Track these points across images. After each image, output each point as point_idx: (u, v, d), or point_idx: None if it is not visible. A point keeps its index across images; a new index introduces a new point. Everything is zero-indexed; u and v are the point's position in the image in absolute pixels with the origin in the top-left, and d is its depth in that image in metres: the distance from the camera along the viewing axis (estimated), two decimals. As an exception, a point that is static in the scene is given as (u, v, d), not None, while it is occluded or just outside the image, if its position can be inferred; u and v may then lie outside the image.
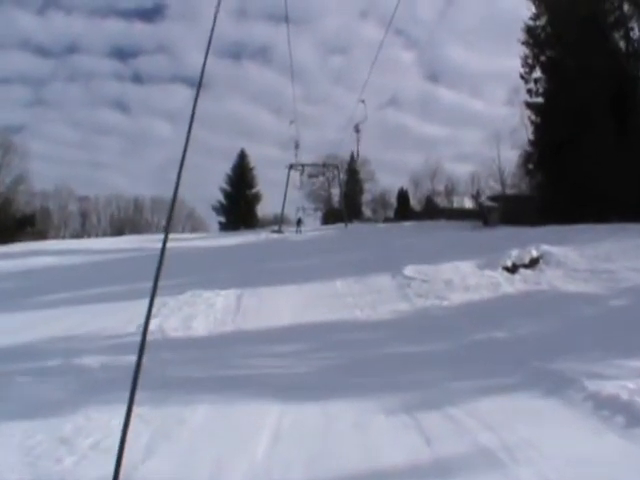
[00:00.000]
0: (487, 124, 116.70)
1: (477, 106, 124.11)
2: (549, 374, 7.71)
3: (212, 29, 4.42)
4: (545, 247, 18.27)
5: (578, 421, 6.05)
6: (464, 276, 16.89)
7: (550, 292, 14.48)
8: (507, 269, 17.42)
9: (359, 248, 26.64)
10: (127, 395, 7.54)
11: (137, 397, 6.70)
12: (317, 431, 6.15)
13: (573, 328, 10.81)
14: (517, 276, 16.78)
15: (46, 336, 12.32)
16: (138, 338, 10.49)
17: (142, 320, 11.14)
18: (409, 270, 17.92)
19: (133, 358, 9.34)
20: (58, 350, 10.79)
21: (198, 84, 4.27)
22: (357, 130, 18.25)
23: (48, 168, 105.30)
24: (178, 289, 16.35)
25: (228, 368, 9.29)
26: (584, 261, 17.15)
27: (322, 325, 12.74)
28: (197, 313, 14.31)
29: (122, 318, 13.85)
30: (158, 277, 3.67)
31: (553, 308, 12.72)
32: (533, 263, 17.62)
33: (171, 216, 4.68)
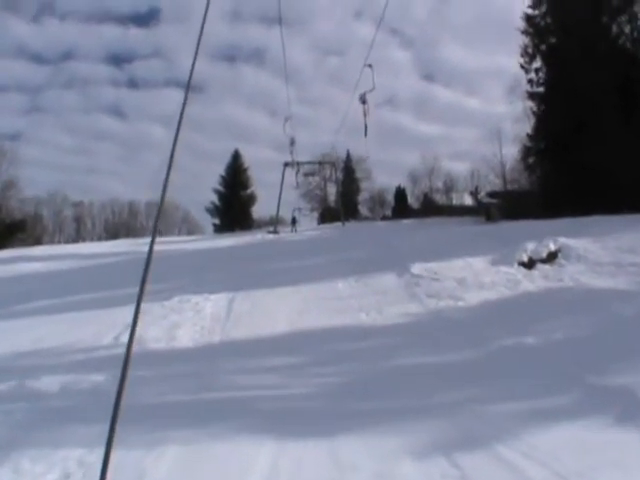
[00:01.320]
0: (483, 122, 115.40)
1: (473, 104, 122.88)
2: (612, 393, 6.16)
3: (201, 31, 4.19)
4: (563, 240, 16.77)
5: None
6: (477, 273, 15.36)
7: (577, 289, 12.94)
8: (523, 264, 15.91)
9: (359, 246, 25.06)
10: (83, 430, 5.99)
11: (88, 434, 5.08)
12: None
13: (616, 331, 9.24)
14: (535, 272, 15.28)
15: (7, 350, 10.86)
16: (112, 351, 8.95)
17: (120, 329, 9.57)
18: (416, 268, 16.38)
19: (99, 378, 7.79)
20: (15, 368, 9.33)
21: (187, 86, 4.00)
22: (364, 101, 16.62)
23: (45, 174, 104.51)
24: (165, 294, 14.96)
25: (211, 389, 7.71)
26: (607, 254, 15.67)
27: (323, 332, 11.18)
28: (183, 321, 12.83)
29: (99, 328, 12.58)
30: (143, 290, 3.23)
31: (585, 307, 11.16)
32: (551, 257, 16.13)
33: (158, 218, 4.24)
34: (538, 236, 17.55)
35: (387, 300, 13.68)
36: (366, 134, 15.83)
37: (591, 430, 5.34)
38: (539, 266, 15.70)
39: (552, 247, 16.45)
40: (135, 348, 10.00)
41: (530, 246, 16.62)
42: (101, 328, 12.52)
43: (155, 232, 3.59)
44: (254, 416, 6.32)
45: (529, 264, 15.92)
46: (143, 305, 11.29)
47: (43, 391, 7.83)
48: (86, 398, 7.32)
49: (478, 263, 16.42)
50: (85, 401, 7.19)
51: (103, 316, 13.82)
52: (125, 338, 11.83)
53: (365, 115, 15.78)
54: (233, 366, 9.07)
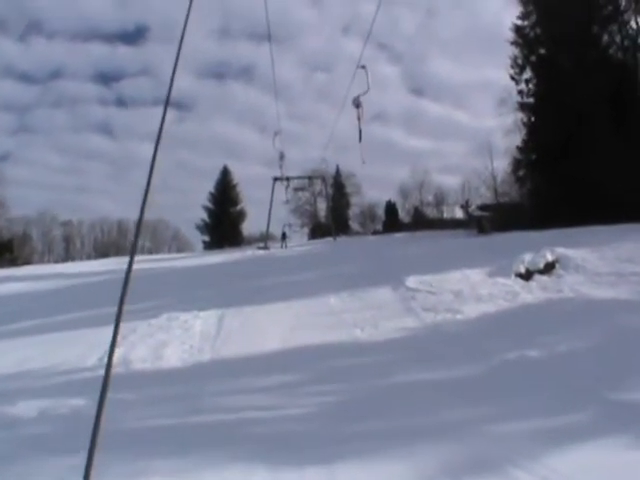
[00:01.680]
0: (472, 135, 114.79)
1: (462, 118, 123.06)
2: (631, 409, 5.75)
3: (179, 45, 4.09)
4: (561, 250, 16.40)
5: None
6: (474, 285, 14.96)
7: (577, 300, 12.55)
8: (521, 276, 15.53)
9: (351, 261, 24.63)
10: (59, 461, 5.51)
11: (63, 465, 4.61)
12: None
13: (624, 342, 8.79)
14: (533, 283, 14.89)
15: (-15, 375, 10.30)
16: (96, 373, 8.45)
17: (105, 350, 9.11)
18: (411, 281, 15.96)
19: (80, 402, 7.28)
20: (-7, 392, 8.77)
21: (166, 100, 3.96)
22: (358, 104, 15.56)
23: (35, 194, 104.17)
24: (153, 312, 14.48)
25: (199, 412, 7.20)
26: (605, 264, 15.33)
27: (316, 349, 10.70)
28: (171, 339, 12.34)
29: (84, 348, 12.10)
30: (122, 304, 3.20)
31: (588, 318, 10.72)
32: (549, 268, 15.75)
33: (138, 234, 4.13)
34: (533, 247, 17.22)
35: (382, 315, 13.24)
36: (361, 139, 15.03)
37: (613, 450, 4.91)
38: (537, 277, 15.34)
39: (549, 258, 16.09)
40: (119, 369, 9.53)
41: (527, 257, 16.26)
42: (86, 349, 12.05)
43: (134, 250, 3.45)
44: (245, 442, 5.84)
45: (526, 275, 15.55)
46: (129, 324, 10.75)
47: (20, 417, 7.33)
48: (65, 424, 6.85)
49: (475, 275, 16.02)
50: (63, 428, 6.71)
51: (88, 336, 13.33)
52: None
53: (359, 119, 14.99)
54: (223, 387, 8.59)
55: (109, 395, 8.12)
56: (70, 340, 13.31)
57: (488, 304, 13.13)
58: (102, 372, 10.31)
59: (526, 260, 16.12)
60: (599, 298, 12.34)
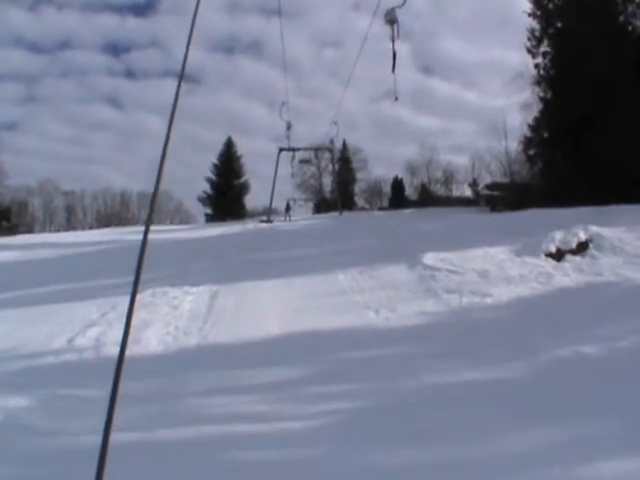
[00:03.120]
0: (481, 115, 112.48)
1: (471, 97, 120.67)
2: None
3: (193, 20, 3.76)
4: (594, 228, 14.69)
5: None
6: (501, 265, 13.29)
7: (623, 285, 10.85)
8: (551, 255, 13.85)
9: (360, 235, 22.98)
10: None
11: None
12: None
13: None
14: (566, 264, 13.21)
15: None
16: (59, 359, 6.22)
17: (78, 329, 7.10)
18: (429, 258, 14.24)
19: (22, 402, 4.58)
20: None
21: (180, 76, 3.53)
22: (392, 20, 12.90)
23: (43, 164, 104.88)
24: (140, 286, 12.73)
25: (172, 423, 5.48)
26: (646, 245, 13.63)
27: (323, 335, 9.04)
28: (154, 319, 10.78)
29: (54, 327, 10.75)
30: (135, 291, 2.61)
31: (642, 306, 9.06)
32: (582, 248, 14.06)
33: (152, 209, 3.57)
34: (554, 225, 15.74)
35: (399, 296, 11.58)
36: (394, 67, 12.59)
37: None
38: (569, 257, 13.67)
39: (582, 236, 14.40)
40: (88, 354, 7.76)
41: (557, 235, 14.57)
42: (57, 327, 10.64)
43: (148, 227, 3.02)
44: (228, 477, 4.18)
45: (558, 255, 13.88)
46: (109, 299, 8.94)
47: None
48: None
49: (500, 254, 14.37)
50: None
51: (64, 311, 11.98)
52: (83, 340, 9.82)
53: (393, 40, 12.55)
54: (207, 383, 6.93)
55: (64, 391, 6.50)
56: (42, 316, 11.82)
57: (520, 287, 11.46)
58: (69, 357, 8.58)
59: (557, 238, 14.45)
60: (650, 283, 10.68)
